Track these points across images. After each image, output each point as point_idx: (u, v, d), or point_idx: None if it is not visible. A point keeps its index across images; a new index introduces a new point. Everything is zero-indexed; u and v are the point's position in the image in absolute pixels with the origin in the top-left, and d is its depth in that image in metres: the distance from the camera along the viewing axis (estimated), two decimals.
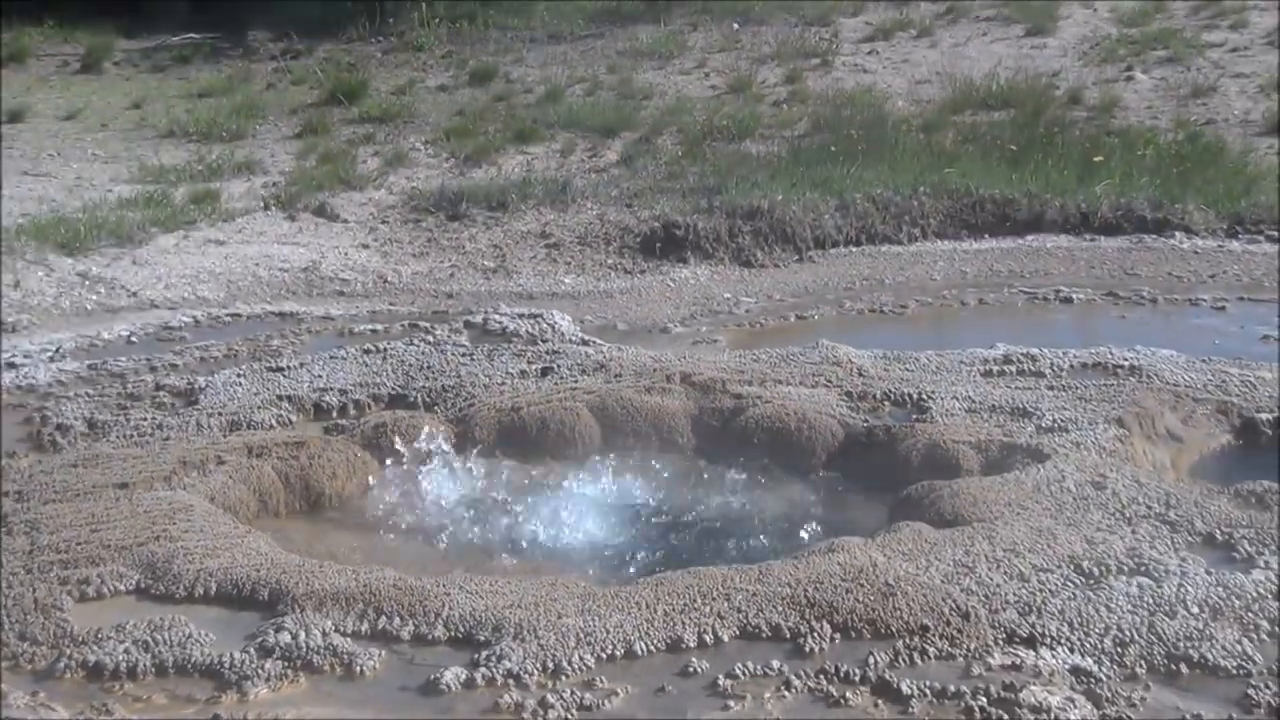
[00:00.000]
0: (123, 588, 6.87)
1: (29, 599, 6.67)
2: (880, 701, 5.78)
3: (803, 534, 7.60)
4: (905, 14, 24.35)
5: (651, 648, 6.21)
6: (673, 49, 23.14)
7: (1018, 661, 6.02)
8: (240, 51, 24.51)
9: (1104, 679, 5.88)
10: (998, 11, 24.41)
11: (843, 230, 14.11)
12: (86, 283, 12.48)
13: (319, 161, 17.37)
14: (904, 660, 6.06)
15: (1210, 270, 12.80)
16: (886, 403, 9.25)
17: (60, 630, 6.42)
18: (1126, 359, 9.88)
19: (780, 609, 6.42)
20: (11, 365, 10.39)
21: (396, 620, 6.45)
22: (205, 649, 6.23)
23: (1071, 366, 9.81)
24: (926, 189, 14.70)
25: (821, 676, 5.94)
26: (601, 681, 5.94)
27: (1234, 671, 5.97)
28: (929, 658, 6.09)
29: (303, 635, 6.30)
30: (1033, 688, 5.78)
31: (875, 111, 18.53)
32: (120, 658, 6.15)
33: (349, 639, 6.32)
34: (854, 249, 13.97)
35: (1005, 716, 5.62)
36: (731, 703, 5.78)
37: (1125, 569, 6.78)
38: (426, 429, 8.82)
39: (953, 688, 5.81)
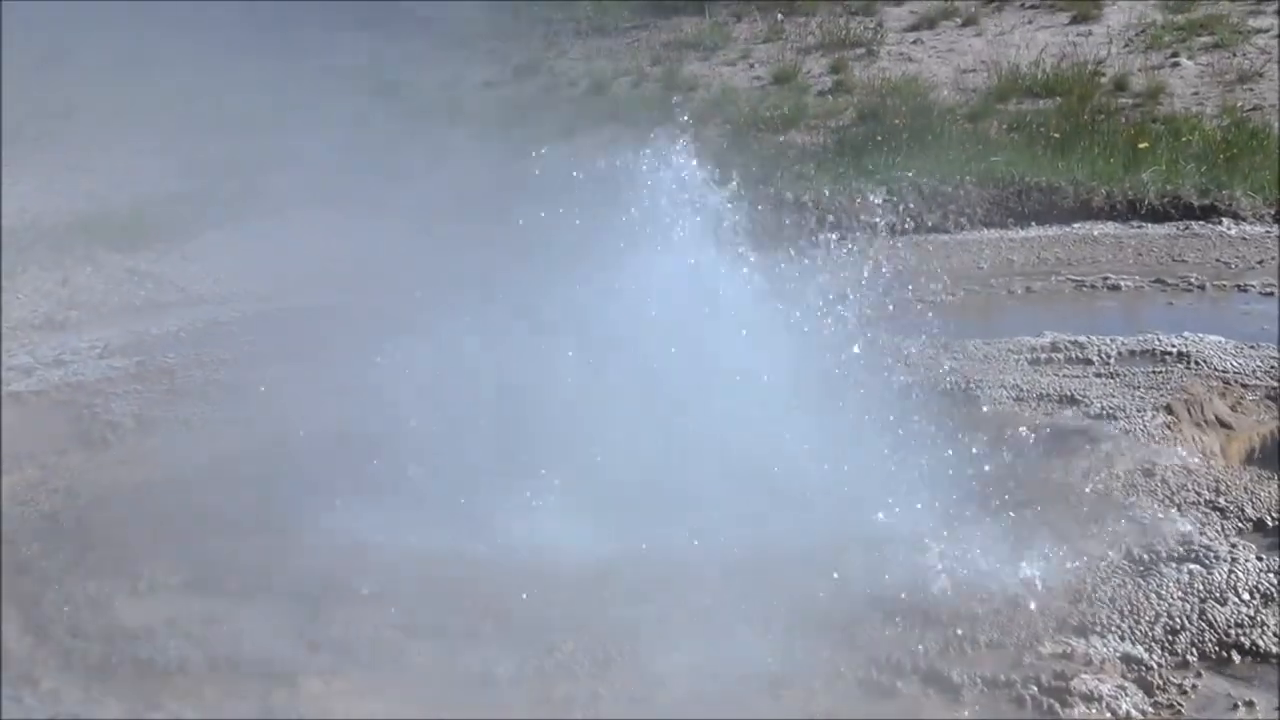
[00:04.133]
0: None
1: (80, 595, 6.74)
2: (931, 691, 5.80)
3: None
4: (950, 2, 24.25)
5: None
6: (717, 40, 23.10)
7: (1068, 650, 6.02)
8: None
9: (1155, 666, 5.88)
10: None
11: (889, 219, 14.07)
12: (135, 278, 12.51)
13: None
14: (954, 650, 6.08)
15: (1258, 256, 12.70)
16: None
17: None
18: (1175, 345, 9.83)
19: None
20: (60, 362, 10.44)
21: None
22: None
23: (1119, 354, 9.77)
24: (973, 177, 14.63)
25: (872, 668, 5.96)
26: None
27: None
28: (980, 647, 6.10)
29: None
30: (1083, 676, 5.79)
31: (921, 101, 18.48)
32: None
33: None
34: (900, 238, 13.92)
35: (1056, 705, 5.62)
36: None
37: (1175, 556, 6.76)
38: None
39: (1003, 676, 5.82)
